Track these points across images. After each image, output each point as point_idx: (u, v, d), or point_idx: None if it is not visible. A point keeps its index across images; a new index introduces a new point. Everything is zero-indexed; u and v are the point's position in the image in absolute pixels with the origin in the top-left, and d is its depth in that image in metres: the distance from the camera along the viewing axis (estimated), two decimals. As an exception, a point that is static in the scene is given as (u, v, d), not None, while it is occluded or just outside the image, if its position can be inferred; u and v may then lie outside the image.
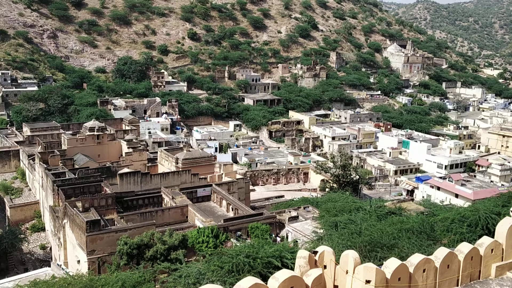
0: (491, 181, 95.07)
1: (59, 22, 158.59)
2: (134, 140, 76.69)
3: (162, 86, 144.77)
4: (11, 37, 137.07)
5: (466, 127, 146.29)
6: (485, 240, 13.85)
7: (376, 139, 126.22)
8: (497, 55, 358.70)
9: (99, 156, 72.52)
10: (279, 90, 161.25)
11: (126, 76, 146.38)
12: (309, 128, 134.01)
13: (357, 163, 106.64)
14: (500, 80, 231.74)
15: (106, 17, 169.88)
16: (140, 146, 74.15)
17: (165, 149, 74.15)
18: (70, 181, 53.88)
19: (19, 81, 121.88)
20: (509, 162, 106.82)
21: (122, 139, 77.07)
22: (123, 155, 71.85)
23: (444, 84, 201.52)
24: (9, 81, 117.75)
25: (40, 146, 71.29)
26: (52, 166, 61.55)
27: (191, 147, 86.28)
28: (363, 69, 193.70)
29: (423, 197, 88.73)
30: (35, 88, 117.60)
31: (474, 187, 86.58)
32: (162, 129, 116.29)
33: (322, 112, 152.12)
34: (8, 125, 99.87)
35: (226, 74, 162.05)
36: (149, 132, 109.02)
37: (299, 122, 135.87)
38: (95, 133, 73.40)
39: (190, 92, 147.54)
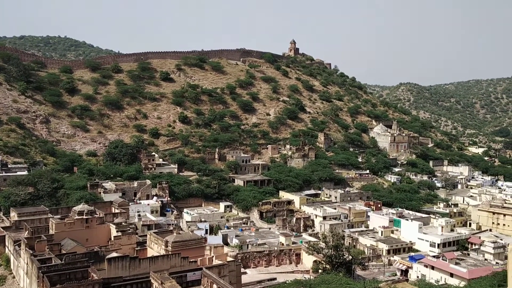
0: (485, 259, 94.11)
1: (52, 107, 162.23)
2: (123, 223, 75.92)
3: (153, 169, 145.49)
4: (4, 123, 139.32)
5: (456, 205, 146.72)
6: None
7: (367, 218, 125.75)
8: (480, 134, 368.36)
9: (87, 240, 71.44)
10: (269, 170, 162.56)
11: (117, 159, 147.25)
12: (300, 208, 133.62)
13: (349, 242, 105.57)
14: (486, 158, 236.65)
15: (98, 102, 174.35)
16: (129, 230, 73.34)
17: (154, 232, 73.17)
18: (56, 267, 52.64)
19: (9, 166, 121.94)
20: (501, 240, 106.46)
21: (111, 222, 76.25)
22: (112, 238, 70.78)
23: (431, 163, 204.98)
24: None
25: (27, 231, 70.12)
26: (38, 252, 60.21)
27: (181, 229, 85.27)
28: (351, 149, 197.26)
29: (417, 277, 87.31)
30: (25, 173, 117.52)
31: (469, 266, 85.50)
32: (152, 212, 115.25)
33: (312, 191, 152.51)
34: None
35: (216, 156, 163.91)
36: (139, 215, 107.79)
37: (289, 202, 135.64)
38: (84, 217, 72.80)
39: (180, 174, 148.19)
